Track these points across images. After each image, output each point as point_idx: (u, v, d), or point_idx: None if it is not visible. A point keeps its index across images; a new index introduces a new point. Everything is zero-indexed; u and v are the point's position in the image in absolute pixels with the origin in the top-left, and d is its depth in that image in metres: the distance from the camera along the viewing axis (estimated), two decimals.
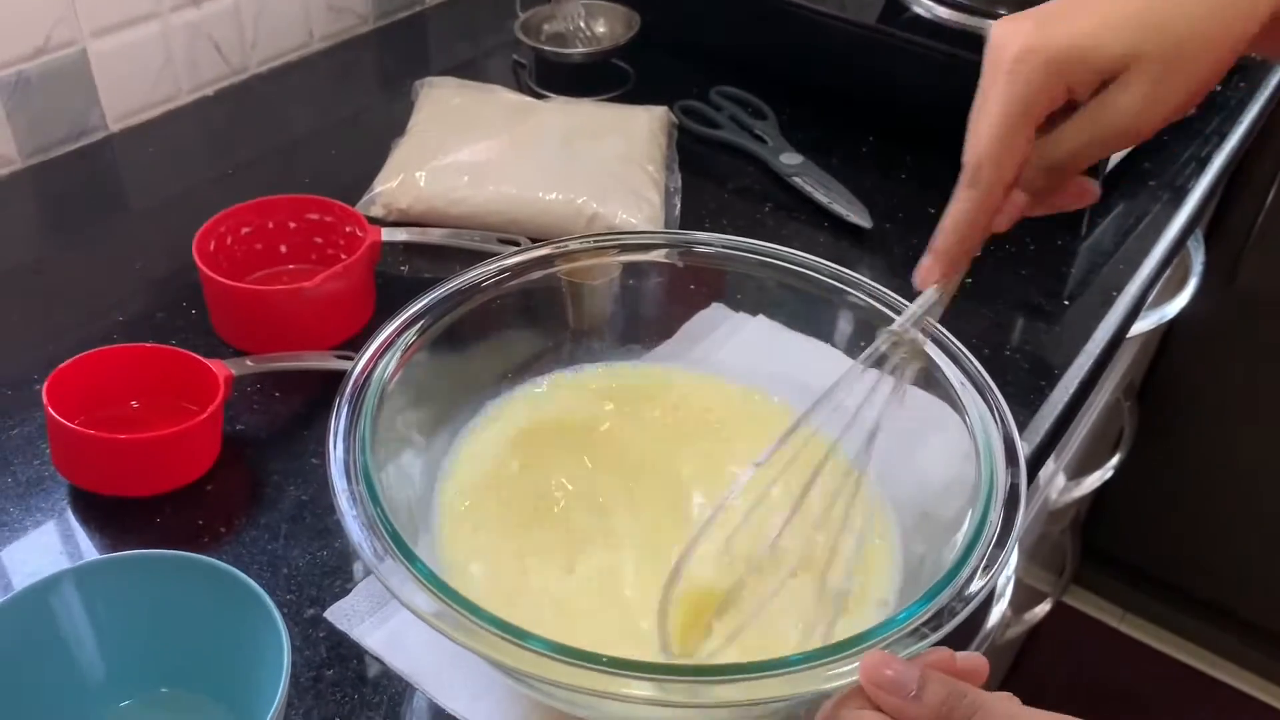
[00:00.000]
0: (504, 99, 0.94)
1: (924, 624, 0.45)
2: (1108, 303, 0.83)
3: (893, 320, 0.59)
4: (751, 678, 0.43)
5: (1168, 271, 0.94)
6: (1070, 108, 0.49)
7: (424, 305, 0.59)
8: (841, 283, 0.62)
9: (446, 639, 0.44)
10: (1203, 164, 0.99)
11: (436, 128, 0.90)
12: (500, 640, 0.44)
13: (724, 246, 0.65)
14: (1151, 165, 0.98)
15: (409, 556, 0.46)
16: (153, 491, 0.63)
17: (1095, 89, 0.48)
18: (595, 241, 0.65)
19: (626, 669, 0.43)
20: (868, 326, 0.62)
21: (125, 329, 0.75)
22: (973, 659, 0.41)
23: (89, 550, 0.61)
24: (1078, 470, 1.32)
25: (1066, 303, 0.83)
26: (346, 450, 0.51)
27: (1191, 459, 1.48)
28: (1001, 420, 0.54)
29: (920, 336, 0.53)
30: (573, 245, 0.64)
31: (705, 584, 0.53)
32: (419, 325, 0.58)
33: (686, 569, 0.51)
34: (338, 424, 0.52)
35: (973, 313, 0.81)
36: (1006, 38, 0.48)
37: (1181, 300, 1.12)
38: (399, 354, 0.56)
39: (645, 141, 0.90)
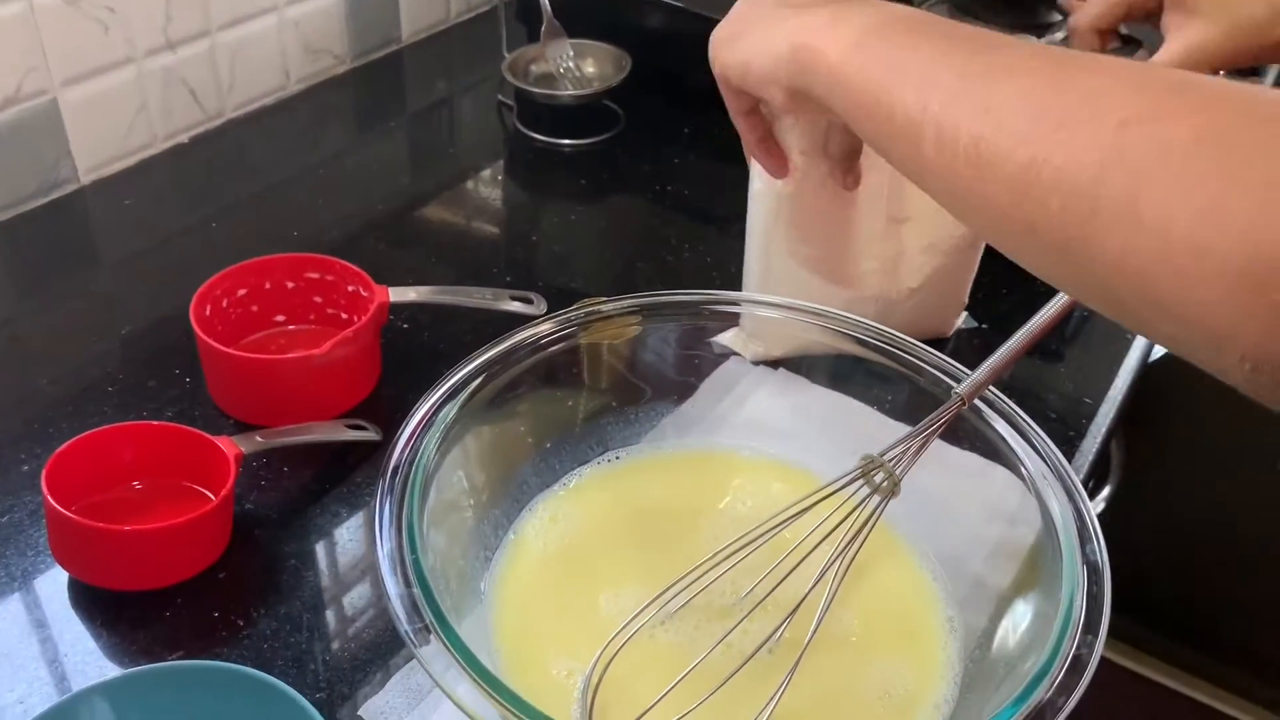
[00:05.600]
0: None
1: None
2: (1121, 333, 0.82)
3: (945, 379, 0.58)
4: None
5: None
6: None
7: (464, 374, 0.55)
8: (899, 350, 0.60)
9: None
10: None
11: None
12: None
13: (769, 304, 0.63)
14: None
15: (495, 685, 0.42)
16: (163, 584, 0.58)
17: None
18: (627, 306, 0.63)
19: None
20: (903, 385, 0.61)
21: (117, 401, 0.70)
22: None
23: (96, 649, 0.56)
24: None
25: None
26: (394, 547, 0.47)
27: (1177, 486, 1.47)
28: (1072, 493, 0.52)
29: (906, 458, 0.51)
30: (606, 308, 0.61)
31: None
32: (460, 398, 0.54)
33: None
34: (381, 516, 0.49)
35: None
36: None
37: None
38: (440, 430, 0.53)
39: None
